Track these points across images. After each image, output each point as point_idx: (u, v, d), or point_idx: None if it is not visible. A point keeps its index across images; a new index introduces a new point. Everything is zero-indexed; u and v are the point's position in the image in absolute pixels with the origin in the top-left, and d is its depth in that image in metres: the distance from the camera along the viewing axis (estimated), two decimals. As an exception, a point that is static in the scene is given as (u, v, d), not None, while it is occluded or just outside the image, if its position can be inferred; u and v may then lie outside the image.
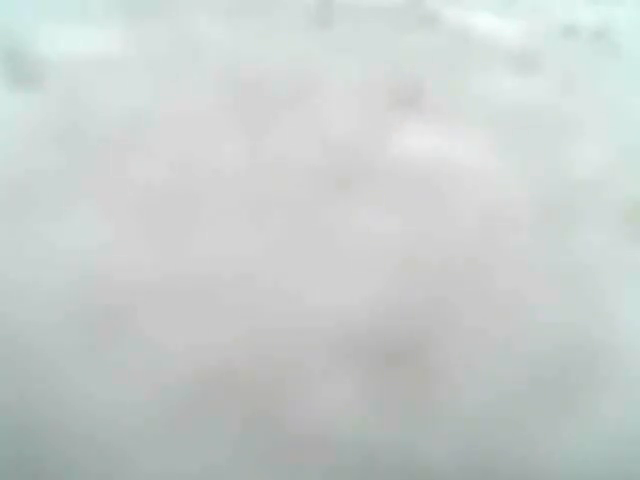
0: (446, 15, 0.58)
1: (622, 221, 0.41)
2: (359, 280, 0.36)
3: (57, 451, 0.29)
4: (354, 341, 0.33)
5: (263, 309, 0.34)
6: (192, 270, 0.35)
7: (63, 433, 0.29)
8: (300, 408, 0.31)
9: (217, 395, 0.31)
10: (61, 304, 0.33)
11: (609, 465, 0.31)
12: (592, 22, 0.60)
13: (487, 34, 0.55)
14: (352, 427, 0.31)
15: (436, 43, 0.53)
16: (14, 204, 0.38)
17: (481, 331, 0.34)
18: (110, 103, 0.44)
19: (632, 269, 0.38)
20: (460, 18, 0.57)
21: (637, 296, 0.37)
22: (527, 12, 0.61)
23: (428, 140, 0.44)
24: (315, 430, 0.30)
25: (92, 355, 0.32)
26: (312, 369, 0.32)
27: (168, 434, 0.30)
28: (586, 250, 0.39)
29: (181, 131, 0.43)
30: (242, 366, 0.32)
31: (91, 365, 0.31)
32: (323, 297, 0.35)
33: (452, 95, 0.48)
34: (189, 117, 0.44)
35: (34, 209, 0.38)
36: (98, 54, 0.48)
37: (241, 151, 0.42)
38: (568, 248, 0.39)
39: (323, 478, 0.29)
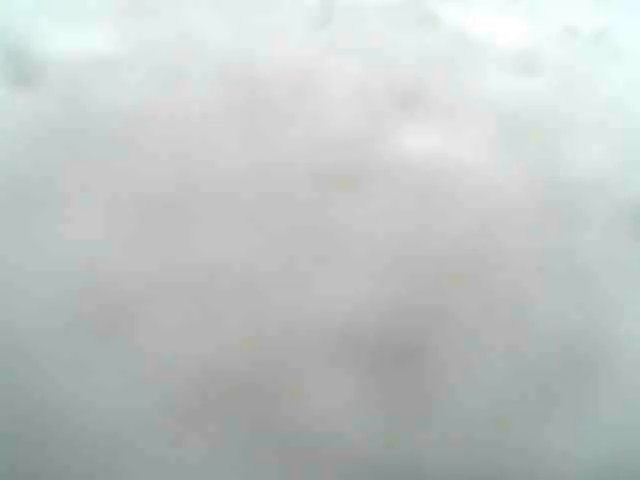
0: (446, 15, 0.58)
1: (623, 221, 0.41)
2: (360, 280, 0.36)
3: (56, 458, 0.29)
4: (355, 342, 0.33)
5: (263, 311, 0.34)
6: (191, 270, 0.35)
7: (62, 440, 0.29)
8: (299, 409, 0.31)
9: (218, 398, 0.31)
10: (59, 311, 0.33)
11: (607, 469, 0.31)
12: (592, 22, 0.60)
13: (487, 34, 0.55)
14: (352, 428, 0.31)
15: (436, 43, 0.53)
16: (14, 204, 0.38)
17: (482, 331, 0.34)
18: (110, 103, 0.44)
19: (633, 269, 0.38)
20: (460, 18, 0.57)
21: (638, 295, 0.37)
22: (527, 12, 0.61)
23: (428, 140, 0.44)
24: (314, 431, 0.30)
25: (91, 362, 0.32)
26: (313, 370, 0.32)
27: (168, 440, 0.30)
28: (587, 250, 0.39)
29: (181, 131, 0.43)
30: (243, 369, 0.32)
31: (90, 372, 0.31)
32: (323, 297, 0.35)
33: (452, 95, 0.48)
34: (189, 116, 0.44)
35: (33, 209, 0.37)
36: (98, 54, 0.48)
37: (240, 151, 0.42)
38: (569, 248, 0.39)
39: (324, 478, 0.29)
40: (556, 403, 0.32)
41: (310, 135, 0.44)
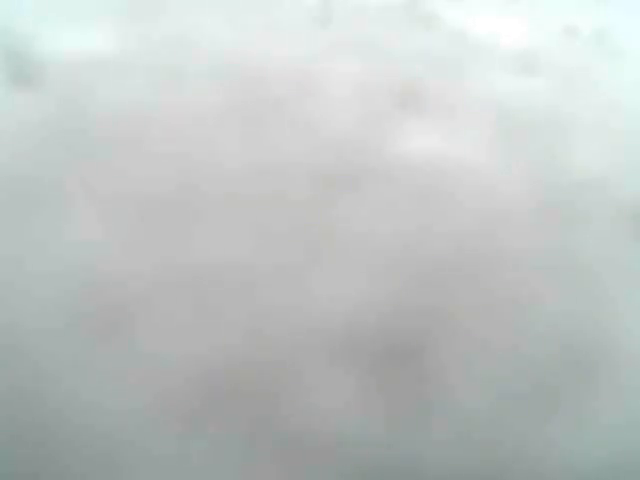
0: (446, 15, 0.58)
1: (623, 221, 0.41)
2: (360, 280, 0.36)
3: (55, 459, 0.29)
4: (355, 342, 0.33)
5: (263, 311, 0.34)
6: (191, 270, 0.35)
7: (62, 440, 0.29)
8: (299, 409, 0.31)
9: (218, 398, 0.31)
10: (59, 311, 0.33)
11: (605, 468, 0.31)
12: (592, 22, 0.60)
13: (487, 34, 0.55)
14: (352, 428, 0.31)
15: (436, 43, 0.53)
16: (14, 203, 0.38)
17: (482, 331, 0.34)
18: (110, 103, 0.44)
19: (633, 269, 0.38)
20: (460, 18, 0.57)
21: (638, 295, 0.37)
22: (527, 12, 0.61)
23: (428, 140, 0.44)
24: (315, 432, 0.30)
25: (92, 362, 0.32)
26: (313, 370, 0.32)
27: (168, 440, 0.30)
28: (587, 250, 0.39)
29: (181, 131, 0.43)
30: (243, 369, 0.32)
31: (90, 372, 0.31)
32: (323, 297, 0.35)
33: (452, 95, 0.48)
34: (189, 117, 0.44)
35: (34, 209, 0.38)
36: (98, 54, 0.48)
37: (240, 151, 0.42)
38: (569, 248, 0.39)
39: (323, 478, 0.29)
40: (556, 403, 0.32)
41: (310, 135, 0.44)
